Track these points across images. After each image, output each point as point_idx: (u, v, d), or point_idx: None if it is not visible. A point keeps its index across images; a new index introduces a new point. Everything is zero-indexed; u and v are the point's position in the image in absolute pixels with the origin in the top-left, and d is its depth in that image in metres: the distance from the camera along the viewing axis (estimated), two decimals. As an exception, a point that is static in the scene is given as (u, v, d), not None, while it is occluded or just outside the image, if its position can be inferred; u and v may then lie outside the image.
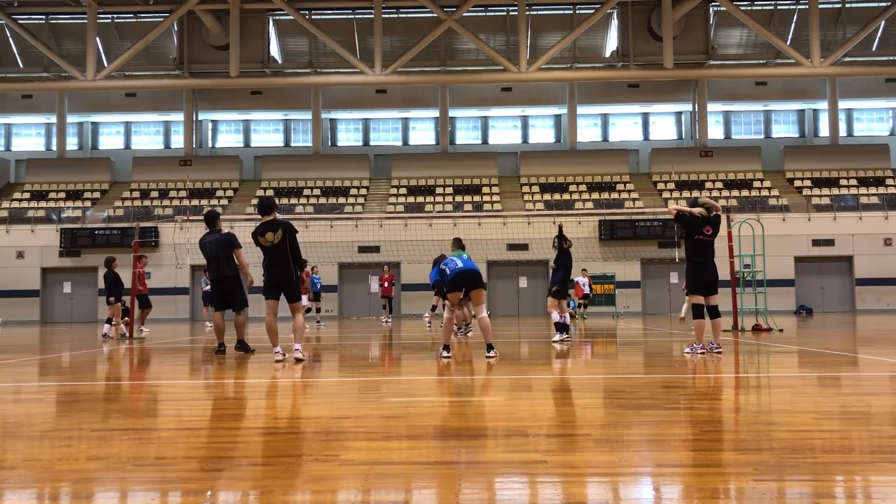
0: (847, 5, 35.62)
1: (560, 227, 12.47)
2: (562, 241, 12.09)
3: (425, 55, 34.56)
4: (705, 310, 9.38)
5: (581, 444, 3.92)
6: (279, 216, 9.19)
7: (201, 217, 10.87)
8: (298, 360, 8.66)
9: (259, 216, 9.25)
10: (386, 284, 23.17)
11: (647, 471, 3.38)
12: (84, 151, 38.87)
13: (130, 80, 36.03)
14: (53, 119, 38.16)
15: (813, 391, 6.11)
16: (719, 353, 9.12)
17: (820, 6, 33.15)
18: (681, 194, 33.43)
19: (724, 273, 11.66)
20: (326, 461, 3.56)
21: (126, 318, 16.01)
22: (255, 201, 34.49)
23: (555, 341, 11.87)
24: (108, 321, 15.65)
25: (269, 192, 35.11)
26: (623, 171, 35.77)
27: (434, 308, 17.26)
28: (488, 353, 8.89)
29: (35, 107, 38.16)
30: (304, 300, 20.38)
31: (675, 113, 38.68)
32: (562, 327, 12.02)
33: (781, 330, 14.48)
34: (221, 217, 10.91)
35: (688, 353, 9.26)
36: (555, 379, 7.20)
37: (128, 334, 15.26)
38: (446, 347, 9.09)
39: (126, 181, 36.58)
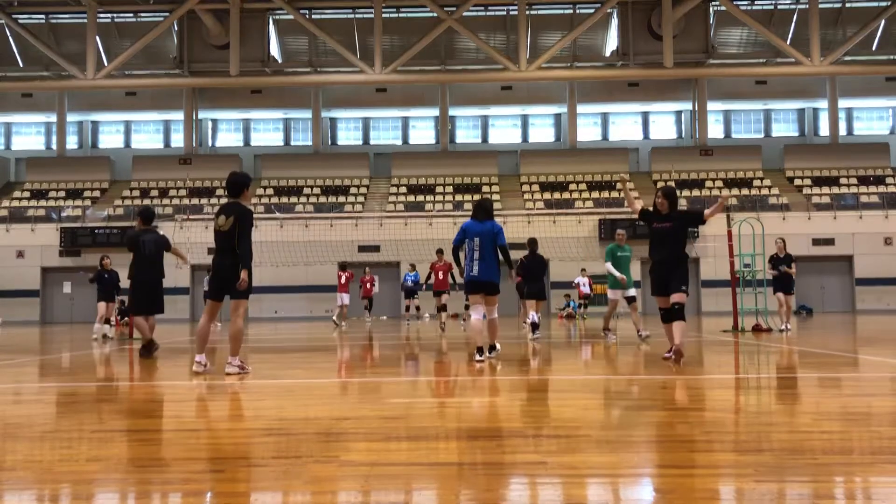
0: (847, 5, 35.59)
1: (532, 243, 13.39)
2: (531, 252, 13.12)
3: (425, 54, 34.53)
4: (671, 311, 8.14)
5: (581, 445, 3.92)
6: (246, 203, 7.89)
7: (201, 216, 10.82)
8: (228, 374, 7.32)
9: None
10: (368, 286, 23.38)
11: (647, 472, 3.38)
12: (84, 150, 38.87)
13: (130, 79, 36.03)
14: (53, 118, 38.14)
15: (813, 392, 6.11)
16: (668, 357, 8.12)
17: (820, 5, 33.13)
18: (680, 193, 33.40)
19: (724, 273, 11.68)
20: (326, 462, 3.56)
21: (125, 319, 15.98)
22: (254, 199, 34.53)
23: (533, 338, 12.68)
24: (107, 321, 15.63)
25: (269, 191, 35.14)
26: (623, 170, 35.75)
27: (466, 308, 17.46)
28: (489, 352, 8.76)
29: (35, 106, 38.14)
30: (345, 299, 20.81)
31: (675, 112, 38.67)
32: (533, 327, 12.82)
33: (781, 330, 14.47)
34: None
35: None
36: (554, 380, 7.20)
37: (111, 335, 15.21)
38: (479, 350, 8.55)
39: (126, 180, 36.58)
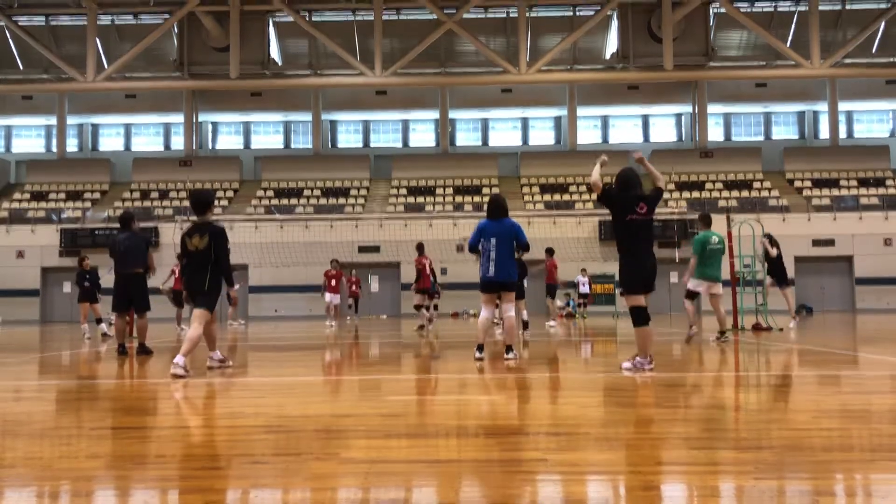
0: (847, 7, 35.63)
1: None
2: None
3: (425, 57, 34.55)
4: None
5: (581, 442, 3.92)
6: (216, 219, 8.15)
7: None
8: (175, 376, 7.12)
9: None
10: (354, 287, 23.38)
11: (648, 469, 3.37)
12: (84, 152, 38.88)
13: (130, 81, 36.03)
14: (53, 120, 38.16)
15: (813, 390, 6.11)
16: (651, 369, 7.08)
17: (820, 8, 33.16)
18: (681, 195, 33.43)
19: (724, 273, 11.73)
20: (326, 459, 3.56)
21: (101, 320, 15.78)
22: (254, 200, 34.55)
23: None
24: (98, 321, 15.55)
25: (270, 193, 35.13)
26: (623, 172, 35.73)
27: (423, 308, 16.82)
28: (507, 354, 8.42)
29: (35, 108, 38.17)
30: (331, 297, 20.51)
31: (675, 114, 38.69)
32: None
33: (781, 329, 14.47)
34: (220, 217, 10.85)
35: (627, 368, 7.17)
36: (554, 378, 7.20)
37: (110, 333, 15.18)
38: (480, 347, 8.57)
39: (126, 182, 36.60)
